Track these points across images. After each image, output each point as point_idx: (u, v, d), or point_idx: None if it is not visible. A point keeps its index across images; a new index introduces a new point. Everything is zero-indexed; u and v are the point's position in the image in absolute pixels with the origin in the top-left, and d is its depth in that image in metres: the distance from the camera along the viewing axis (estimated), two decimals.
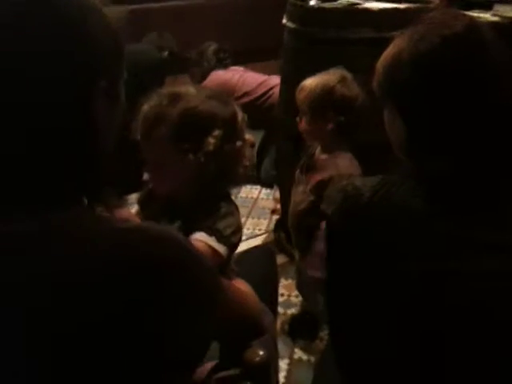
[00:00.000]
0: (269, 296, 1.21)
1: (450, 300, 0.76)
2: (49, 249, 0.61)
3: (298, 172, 1.75)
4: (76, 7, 0.65)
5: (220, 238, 1.06)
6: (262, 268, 1.30)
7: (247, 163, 1.13)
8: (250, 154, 1.18)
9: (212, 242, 1.05)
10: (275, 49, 2.21)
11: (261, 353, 0.79)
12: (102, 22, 0.68)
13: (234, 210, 1.14)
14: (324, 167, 1.62)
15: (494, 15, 2.62)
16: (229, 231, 1.08)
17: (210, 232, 1.06)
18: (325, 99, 1.56)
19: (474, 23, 0.84)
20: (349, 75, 1.58)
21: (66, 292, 0.60)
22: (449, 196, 0.78)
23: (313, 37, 1.88)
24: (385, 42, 1.86)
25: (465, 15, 0.87)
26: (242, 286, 1.03)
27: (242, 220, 2.80)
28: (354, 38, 1.80)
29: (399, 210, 0.78)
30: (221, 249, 1.06)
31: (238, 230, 1.12)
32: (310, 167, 1.69)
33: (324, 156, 1.66)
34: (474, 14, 2.62)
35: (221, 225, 1.07)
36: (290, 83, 2.03)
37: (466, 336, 0.77)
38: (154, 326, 0.63)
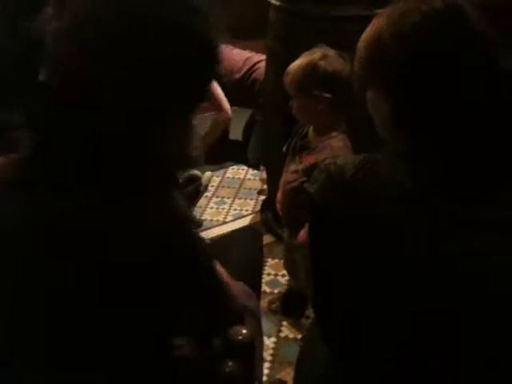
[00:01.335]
0: (253, 278, 1.22)
1: (450, 279, 0.75)
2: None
3: (289, 151, 1.74)
4: None
5: None
6: (247, 249, 1.31)
7: None
8: None
9: None
10: (260, 26, 2.18)
11: (244, 331, 0.79)
12: None
13: None
14: (318, 149, 1.61)
15: None
16: None
17: None
18: (308, 78, 1.55)
19: (452, 0, 0.83)
20: (332, 52, 1.55)
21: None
22: (439, 175, 0.78)
23: (299, 14, 1.86)
24: (371, 20, 1.84)
25: None
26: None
27: (229, 201, 2.81)
28: (342, 15, 1.78)
29: (387, 187, 0.78)
30: None
31: None
32: (303, 148, 1.68)
33: (318, 137, 1.65)
34: None
35: None
36: (277, 61, 2.01)
37: (466, 313, 0.76)
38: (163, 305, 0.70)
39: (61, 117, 0.67)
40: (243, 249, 1.28)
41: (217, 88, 2.70)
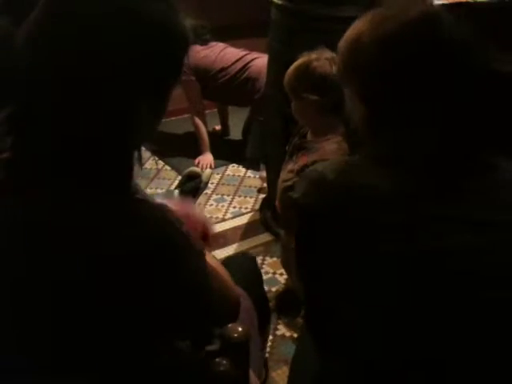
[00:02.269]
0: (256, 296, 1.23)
1: (433, 277, 0.78)
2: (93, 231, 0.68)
3: (288, 151, 1.75)
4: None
5: None
6: (245, 276, 1.30)
7: None
8: None
9: None
10: (262, 25, 2.18)
11: (239, 329, 0.79)
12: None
13: None
14: (312, 150, 1.62)
15: None
16: None
17: None
18: (298, 80, 1.56)
19: (429, 9, 0.87)
20: (329, 54, 1.55)
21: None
22: (418, 176, 0.80)
23: (301, 14, 1.86)
24: None
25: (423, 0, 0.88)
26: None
27: (229, 198, 2.81)
28: (343, 15, 1.78)
29: (364, 190, 0.80)
30: None
31: None
32: (301, 148, 1.69)
33: (315, 138, 1.65)
34: None
35: None
36: (278, 60, 2.02)
37: (448, 310, 0.78)
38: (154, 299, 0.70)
39: (38, 115, 0.68)
40: (241, 276, 1.27)
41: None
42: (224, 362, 0.73)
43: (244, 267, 1.27)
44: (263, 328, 1.30)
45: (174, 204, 1.00)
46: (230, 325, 0.81)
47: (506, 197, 0.80)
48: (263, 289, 1.39)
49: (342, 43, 0.92)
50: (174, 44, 0.74)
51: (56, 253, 0.68)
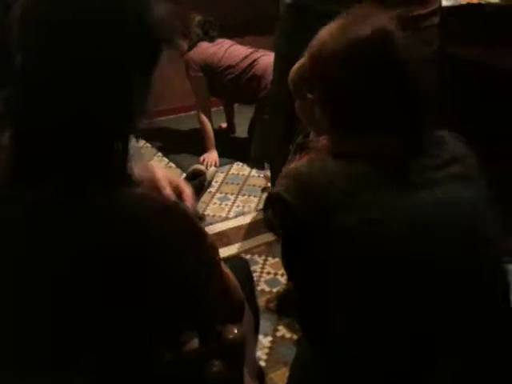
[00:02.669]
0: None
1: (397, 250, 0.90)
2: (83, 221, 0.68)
3: (292, 150, 1.74)
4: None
5: None
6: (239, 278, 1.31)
7: None
8: None
9: None
10: (271, 22, 2.17)
11: (235, 330, 0.78)
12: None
13: None
14: (312, 150, 1.61)
15: None
16: None
17: None
18: (299, 78, 1.54)
19: (384, 26, 0.94)
20: None
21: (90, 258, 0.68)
22: (384, 170, 0.92)
23: (307, 11, 1.84)
24: None
25: (379, 16, 0.97)
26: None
27: (232, 197, 2.80)
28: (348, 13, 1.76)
29: (336, 176, 0.91)
30: None
31: None
32: (304, 147, 1.67)
33: (317, 137, 1.64)
34: None
35: None
36: (283, 58, 1.99)
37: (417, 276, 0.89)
38: (162, 290, 0.70)
39: (30, 105, 0.68)
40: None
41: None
42: (216, 363, 0.72)
43: (236, 271, 1.27)
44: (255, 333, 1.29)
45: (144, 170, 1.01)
46: (227, 325, 0.81)
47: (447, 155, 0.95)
48: (255, 295, 1.38)
49: (308, 52, 1.01)
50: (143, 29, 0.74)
51: (53, 248, 0.68)
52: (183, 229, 0.73)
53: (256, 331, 1.29)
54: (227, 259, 1.58)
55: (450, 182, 0.94)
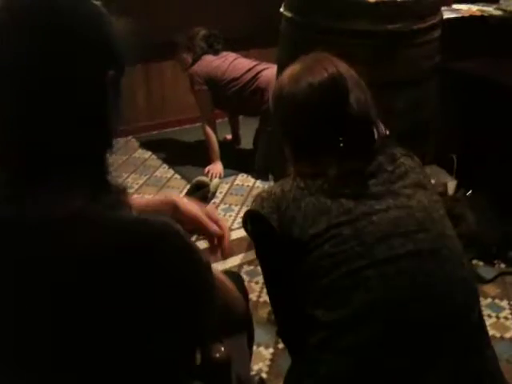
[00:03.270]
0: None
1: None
2: (74, 231, 0.68)
3: None
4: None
5: None
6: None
7: None
8: None
9: None
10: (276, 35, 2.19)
11: (222, 349, 0.78)
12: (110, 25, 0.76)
13: None
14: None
15: (497, 9, 2.60)
16: None
17: None
18: None
19: (337, 73, 1.08)
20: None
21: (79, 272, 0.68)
22: (332, 184, 1.05)
23: (309, 26, 1.86)
24: (380, 35, 1.85)
25: (333, 63, 1.11)
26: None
27: (237, 208, 2.81)
28: (350, 28, 1.78)
29: (292, 196, 1.06)
30: None
31: None
32: None
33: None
34: (479, 7, 2.60)
35: None
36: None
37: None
38: (153, 313, 0.69)
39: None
40: None
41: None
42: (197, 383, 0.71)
43: None
44: (248, 348, 1.29)
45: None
46: (214, 344, 0.80)
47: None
48: (249, 308, 1.39)
49: (272, 91, 1.17)
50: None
51: (50, 253, 0.68)
52: (176, 247, 0.72)
53: (250, 345, 1.29)
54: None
55: (406, 192, 1.05)
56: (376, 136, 1.10)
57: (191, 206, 1.03)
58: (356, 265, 0.97)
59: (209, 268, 0.77)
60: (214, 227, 0.99)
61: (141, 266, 0.69)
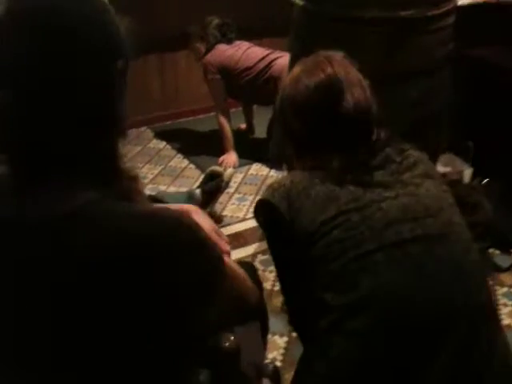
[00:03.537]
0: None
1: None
2: (74, 230, 0.68)
3: None
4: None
5: None
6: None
7: None
8: None
9: None
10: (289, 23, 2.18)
11: (231, 338, 0.78)
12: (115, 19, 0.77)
13: None
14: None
15: None
16: None
17: None
18: None
19: (333, 74, 1.12)
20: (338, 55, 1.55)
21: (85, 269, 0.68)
22: (333, 176, 1.08)
23: (320, 14, 1.84)
24: (393, 22, 1.82)
25: (331, 64, 1.14)
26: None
27: (251, 198, 2.82)
28: (362, 16, 1.76)
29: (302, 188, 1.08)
30: None
31: None
32: None
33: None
34: None
35: None
36: (296, 60, 2.00)
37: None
38: (161, 308, 0.69)
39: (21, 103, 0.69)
40: None
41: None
42: (203, 371, 0.72)
43: None
44: (262, 337, 1.30)
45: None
46: (224, 333, 0.80)
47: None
48: (263, 298, 1.40)
49: (278, 91, 1.21)
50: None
51: (50, 253, 0.68)
52: (185, 243, 0.72)
53: (264, 334, 1.30)
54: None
55: (414, 182, 1.08)
56: (376, 132, 1.13)
57: (204, 222, 1.06)
58: (364, 249, 0.99)
59: (220, 262, 0.77)
60: (223, 245, 1.03)
61: (144, 264, 0.68)
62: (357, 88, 1.12)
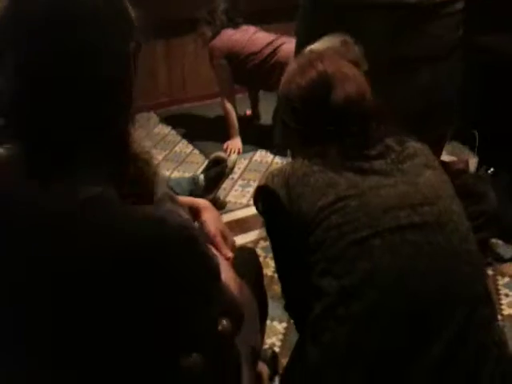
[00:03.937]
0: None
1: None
2: (73, 233, 0.68)
3: None
4: None
5: None
6: (246, 268, 1.30)
7: None
8: None
9: None
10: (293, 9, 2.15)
11: (224, 322, 0.78)
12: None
13: None
14: None
15: None
16: None
17: None
18: None
19: (323, 72, 1.14)
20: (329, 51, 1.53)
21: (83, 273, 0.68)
22: (335, 164, 1.09)
23: (327, 1, 1.82)
24: (400, 7, 1.79)
25: (323, 62, 1.16)
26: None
27: (255, 184, 2.80)
28: (369, 2, 1.74)
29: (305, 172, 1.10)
30: None
31: None
32: None
33: None
34: None
35: None
36: (304, 47, 1.98)
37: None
38: (153, 315, 0.70)
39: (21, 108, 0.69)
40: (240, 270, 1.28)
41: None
42: (194, 354, 0.71)
43: (244, 261, 1.28)
44: (261, 322, 1.30)
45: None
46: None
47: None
48: (263, 284, 1.40)
49: (282, 82, 1.25)
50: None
51: (50, 253, 0.69)
52: (187, 254, 0.72)
53: (263, 320, 1.30)
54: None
55: (414, 171, 1.09)
56: (376, 123, 1.15)
57: (213, 222, 1.10)
58: (362, 234, 0.99)
59: (217, 277, 0.78)
60: (225, 251, 1.07)
61: (143, 268, 0.69)
62: (349, 82, 1.14)
